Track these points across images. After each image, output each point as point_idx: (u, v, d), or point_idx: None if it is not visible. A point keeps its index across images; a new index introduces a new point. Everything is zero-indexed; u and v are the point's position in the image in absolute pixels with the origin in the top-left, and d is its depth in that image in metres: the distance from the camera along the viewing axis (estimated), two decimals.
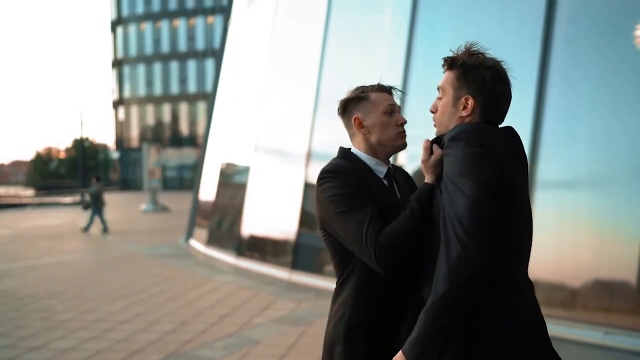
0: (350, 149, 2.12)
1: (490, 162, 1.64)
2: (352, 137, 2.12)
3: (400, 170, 2.21)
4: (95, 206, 16.45)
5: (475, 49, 1.81)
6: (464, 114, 1.79)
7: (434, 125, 1.88)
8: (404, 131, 2.07)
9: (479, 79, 1.77)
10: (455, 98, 1.80)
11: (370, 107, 2.05)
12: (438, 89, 1.86)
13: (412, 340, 1.62)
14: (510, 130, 1.79)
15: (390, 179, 2.08)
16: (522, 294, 1.73)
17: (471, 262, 1.56)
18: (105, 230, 16.17)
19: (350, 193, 1.92)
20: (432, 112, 1.89)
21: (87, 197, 17.15)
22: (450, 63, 1.82)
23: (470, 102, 1.77)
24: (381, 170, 2.07)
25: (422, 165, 1.89)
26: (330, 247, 2.04)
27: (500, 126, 1.82)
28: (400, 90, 2.15)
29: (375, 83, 2.11)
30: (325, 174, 1.99)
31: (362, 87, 2.11)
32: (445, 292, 1.57)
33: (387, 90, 2.10)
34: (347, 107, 2.10)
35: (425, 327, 1.60)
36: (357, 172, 2.00)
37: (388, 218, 1.90)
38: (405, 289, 1.93)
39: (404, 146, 2.08)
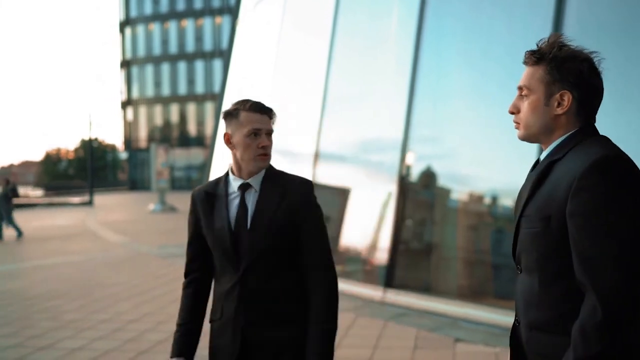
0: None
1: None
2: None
3: (289, 183, 2.16)
4: (6, 210, 15.33)
5: (562, 40, 1.64)
6: (559, 111, 1.62)
7: (517, 127, 1.70)
8: (265, 154, 2.09)
9: (575, 71, 1.59)
10: (548, 95, 1.62)
11: (238, 126, 2.07)
12: (519, 88, 1.68)
13: None
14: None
15: (242, 194, 2.12)
16: None
17: (631, 312, 1.41)
18: (19, 235, 15.14)
19: (190, 222, 2.31)
20: (513, 113, 1.70)
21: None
22: (539, 57, 1.63)
23: (567, 97, 1.60)
24: (235, 184, 2.13)
25: None
26: None
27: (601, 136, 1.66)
28: (273, 113, 2.14)
29: (252, 101, 2.09)
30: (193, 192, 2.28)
31: (240, 102, 2.11)
32: (602, 351, 1.40)
33: (260, 110, 2.09)
34: (225, 120, 2.13)
35: None
36: (211, 192, 2.17)
37: (211, 240, 2.17)
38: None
39: (263, 168, 2.13)
